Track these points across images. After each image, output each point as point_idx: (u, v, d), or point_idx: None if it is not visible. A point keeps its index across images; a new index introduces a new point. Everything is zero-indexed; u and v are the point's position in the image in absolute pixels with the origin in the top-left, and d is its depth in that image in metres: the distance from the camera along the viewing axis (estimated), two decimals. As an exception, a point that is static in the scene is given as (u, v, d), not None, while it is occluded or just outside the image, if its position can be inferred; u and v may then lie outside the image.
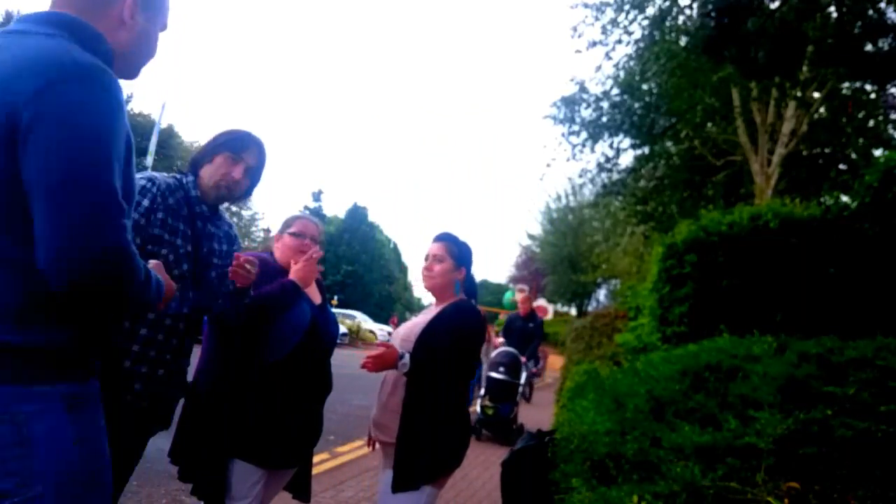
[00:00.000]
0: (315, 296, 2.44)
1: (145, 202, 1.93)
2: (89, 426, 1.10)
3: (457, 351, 2.28)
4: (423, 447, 2.16)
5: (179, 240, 1.99)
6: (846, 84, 11.55)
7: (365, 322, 27.45)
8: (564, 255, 34.74)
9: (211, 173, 2.08)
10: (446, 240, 2.51)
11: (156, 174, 2.00)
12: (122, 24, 1.26)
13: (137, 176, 1.95)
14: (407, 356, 2.21)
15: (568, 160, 14.97)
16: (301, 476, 2.43)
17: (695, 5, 11.45)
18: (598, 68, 13.67)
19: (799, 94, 11.03)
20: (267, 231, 42.83)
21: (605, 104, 13.63)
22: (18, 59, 1.07)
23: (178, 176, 2.08)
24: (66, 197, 1.01)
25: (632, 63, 12.88)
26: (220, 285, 2.13)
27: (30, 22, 1.18)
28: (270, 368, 2.18)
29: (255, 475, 2.19)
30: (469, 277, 2.55)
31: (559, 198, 36.00)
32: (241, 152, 2.09)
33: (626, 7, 12.11)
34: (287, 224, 2.49)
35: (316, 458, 5.21)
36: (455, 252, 2.49)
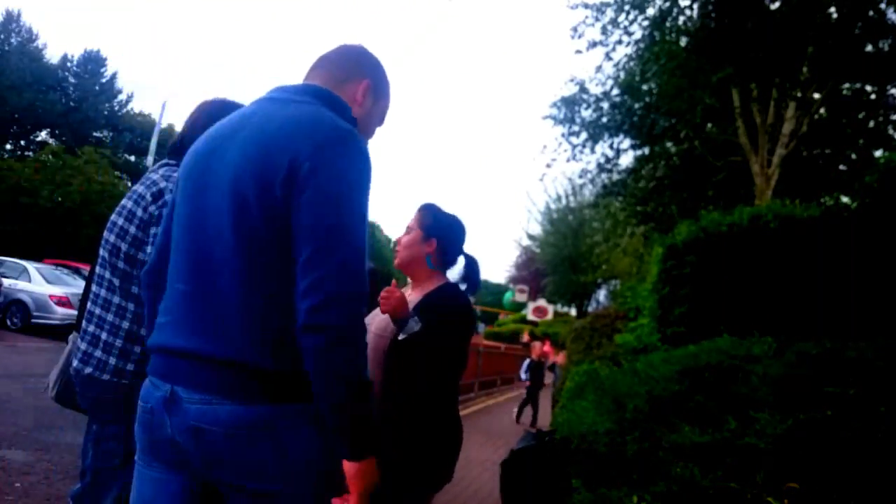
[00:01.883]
0: None
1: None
2: (327, 435, 1.21)
3: (443, 340, 1.98)
4: (405, 455, 1.88)
5: None
6: (846, 85, 11.56)
7: None
8: (564, 256, 34.75)
9: None
10: (422, 209, 2.20)
11: (168, 174, 1.86)
12: (354, 103, 1.45)
13: (154, 177, 1.83)
14: (414, 323, 1.90)
15: (568, 161, 14.96)
16: None
17: (695, 6, 11.46)
18: (599, 69, 13.66)
19: (799, 94, 11.03)
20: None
21: (605, 105, 13.63)
22: (293, 119, 1.25)
23: (172, 163, 1.93)
24: (335, 241, 1.15)
25: (632, 63, 12.88)
26: None
27: (290, 92, 1.36)
28: None
29: None
30: (468, 259, 2.20)
31: (559, 198, 36.02)
32: None
33: (627, 7, 12.11)
34: None
35: (316, 459, 5.18)
36: (426, 221, 2.16)
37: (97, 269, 1.88)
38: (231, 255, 1.21)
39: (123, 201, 1.88)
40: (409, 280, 2.27)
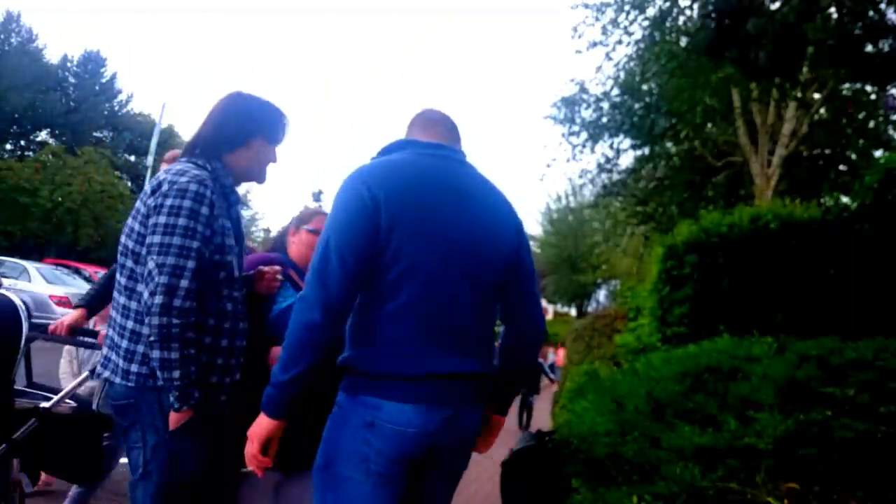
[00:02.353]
0: None
1: (204, 210, 1.73)
2: None
3: None
4: None
5: (231, 239, 1.84)
6: (846, 85, 11.56)
7: None
8: (564, 256, 34.70)
9: (248, 159, 1.89)
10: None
11: (198, 173, 1.77)
12: None
13: (182, 179, 1.75)
14: None
15: (568, 161, 14.92)
16: None
17: (695, 6, 11.45)
18: (599, 69, 13.64)
19: (799, 94, 11.02)
20: (267, 231, 42.98)
21: (605, 105, 13.62)
22: (502, 196, 1.74)
23: (201, 162, 1.85)
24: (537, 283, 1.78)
25: (632, 63, 12.88)
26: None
27: (461, 154, 1.74)
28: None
29: (270, 479, 2.15)
30: None
31: (559, 198, 35.96)
32: (279, 139, 1.95)
33: (627, 7, 12.11)
34: (304, 219, 2.30)
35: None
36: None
37: (116, 275, 1.85)
38: (491, 298, 1.62)
39: (137, 202, 1.86)
40: None
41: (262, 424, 1.51)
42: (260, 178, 1.97)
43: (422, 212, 1.51)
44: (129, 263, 1.77)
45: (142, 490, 1.72)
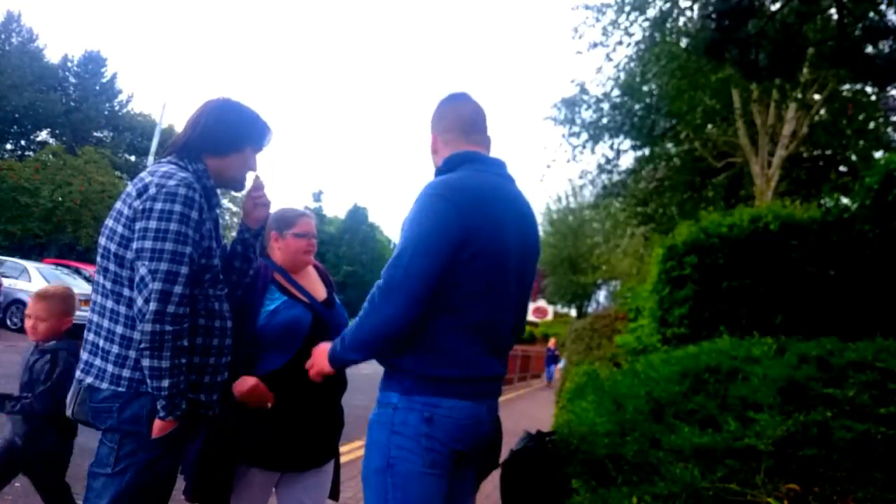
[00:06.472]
0: (319, 292, 2.29)
1: (194, 214, 1.71)
2: None
3: None
4: None
5: (215, 242, 1.83)
6: (847, 86, 11.56)
7: None
8: (564, 257, 34.73)
9: (239, 166, 1.92)
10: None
11: (185, 176, 1.76)
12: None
13: (170, 183, 1.72)
14: None
15: (568, 161, 14.98)
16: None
17: (695, 7, 11.47)
18: (599, 69, 13.68)
19: (799, 95, 11.03)
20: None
21: (605, 105, 13.64)
22: (531, 208, 1.87)
23: (183, 164, 1.84)
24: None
25: (632, 64, 12.89)
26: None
27: (506, 169, 1.83)
28: (271, 375, 2.08)
29: (270, 479, 2.15)
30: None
31: (559, 199, 36.02)
32: (263, 145, 1.98)
33: (627, 8, 12.12)
34: (289, 223, 2.24)
35: (315, 459, 5.16)
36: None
37: (95, 276, 1.82)
38: (522, 308, 1.83)
39: (116, 203, 1.83)
40: None
41: (325, 368, 1.73)
42: (241, 186, 2.00)
43: (495, 235, 1.64)
44: (113, 267, 1.73)
45: (104, 483, 1.69)
